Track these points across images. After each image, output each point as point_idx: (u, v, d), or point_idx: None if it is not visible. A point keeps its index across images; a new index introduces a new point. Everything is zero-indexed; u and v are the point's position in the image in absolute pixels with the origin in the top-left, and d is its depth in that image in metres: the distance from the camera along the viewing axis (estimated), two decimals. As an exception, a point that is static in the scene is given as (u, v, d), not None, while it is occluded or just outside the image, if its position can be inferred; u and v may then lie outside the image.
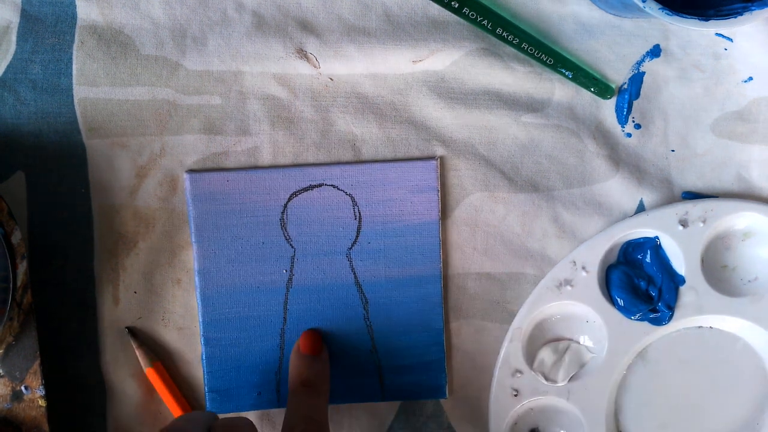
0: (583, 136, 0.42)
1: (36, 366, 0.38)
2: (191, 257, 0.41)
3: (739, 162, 0.42)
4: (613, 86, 0.41)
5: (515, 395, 0.42)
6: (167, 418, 0.42)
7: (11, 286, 0.37)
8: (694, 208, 0.41)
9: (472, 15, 0.40)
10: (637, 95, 0.42)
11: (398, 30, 0.41)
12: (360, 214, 0.41)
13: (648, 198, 0.42)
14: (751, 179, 0.42)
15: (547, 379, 0.42)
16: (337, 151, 0.41)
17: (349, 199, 0.41)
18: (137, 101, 0.40)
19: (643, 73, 0.42)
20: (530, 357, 0.42)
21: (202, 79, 0.40)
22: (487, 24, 0.40)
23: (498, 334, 0.42)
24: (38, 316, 0.40)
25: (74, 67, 0.40)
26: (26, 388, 0.38)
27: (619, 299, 0.41)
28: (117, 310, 0.41)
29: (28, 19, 0.39)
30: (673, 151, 0.42)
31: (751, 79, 0.42)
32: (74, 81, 0.40)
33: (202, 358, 0.41)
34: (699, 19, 0.35)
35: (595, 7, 0.41)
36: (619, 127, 0.42)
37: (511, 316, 0.42)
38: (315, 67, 0.41)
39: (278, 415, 0.42)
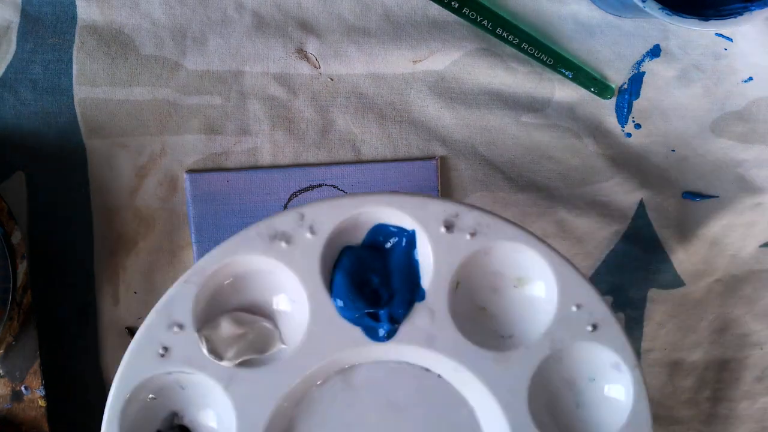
0: (583, 136, 0.42)
1: (36, 366, 0.38)
2: (191, 257, 0.41)
3: (739, 162, 0.42)
4: (613, 86, 0.41)
5: (162, 354, 0.32)
6: (167, 418, 0.42)
7: (11, 286, 0.37)
8: (468, 215, 0.32)
9: (472, 15, 0.40)
10: (637, 95, 0.42)
11: (398, 30, 0.41)
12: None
13: (648, 198, 0.42)
14: (751, 179, 0.42)
15: (211, 351, 0.32)
16: (337, 151, 0.41)
17: (349, 199, 0.41)
18: (137, 101, 0.40)
19: (643, 73, 0.42)
20: (203, 317, 0.33)
21: (202, 79, 0.40)
22: (487, 24, 0.40)
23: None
24: (38, 316, 0.40)
25: (74, 67, 0.40)
26: (26, 388, 0.38)
27: (339, 286, 0.32)
28: (117, 310, 0.41)
29: (28, 19, 0.39)
30: (673, 151, 0.42)
31: (751, 79, 0.42)
32: (74, 81, 0.40)
33: (202, 358, 0.41)
34: (699, 19, 0.35)
35: (595, 7, 0.41)
36: (619, 127, 0.42)
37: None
38: (315, 67, 0.41)
39: (278, 415, 0.42)
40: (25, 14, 0.39)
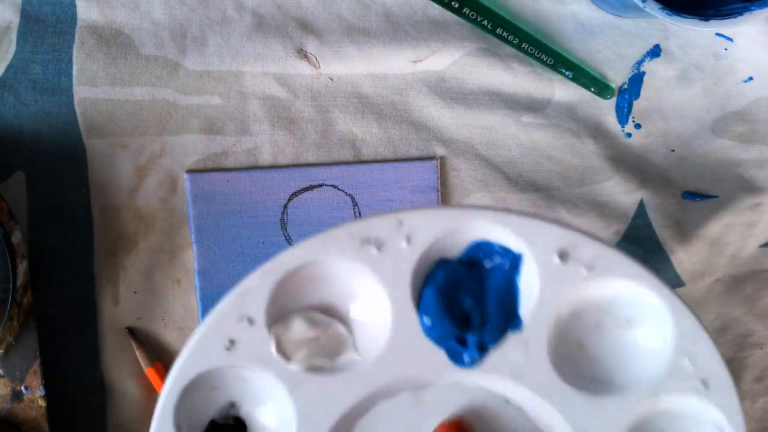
0: (583, 136, 0.42)
1: (36, 366, 0.38)
2: (191, 257, 0.41)
3: (739, 162, 0.42)
4: (613, 86, 0.41)
5: (227, 348, 0.30)
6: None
7: (11, 286, 0.37)
8: (587, 246, 0.29)
9: (472, 15, 0.40)
10: (637, 95, 0.42)
11: (398, 30, 0.41)
12: (360, 214, 0.41)
13: (648, 198, 0.42)
14: (751, 179, 0.42)
15: (279, 351, 0.30)
16: (337, 151, 0.41)
17: (349, 199, 0.41)
18: (137, 101, 0.40)
19: (643, 73, 0.42)
20: (276, 313, 0.31)
21: (202, 79, 0.40)
22: (487, 24, 0.40)
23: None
24: (38, 316, 0.40)
25: (74, 67, 0.40)
26: (26, 388, 0.38)
27: (429, 303, 0.30)
28: (117, 310, 0.41)
29: (28, 19, 0.39)
30: (673, 151, 0.42)
31: (751, 79, 0.42)
32: (74, 81, 0.40)
33: (202, 358, 0.41)
34: (699, 19, 0.35)
35: (595, 7, 0.41)
36: (619, 127, 0.42)
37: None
38: (315, 67, 0.41)
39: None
40: (25, 14, 0.39)
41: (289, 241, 0.41)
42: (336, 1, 0.40)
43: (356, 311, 0.31)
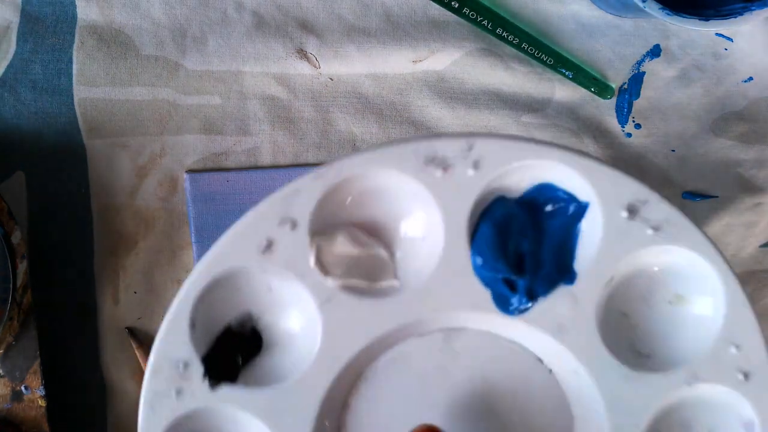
0: (583, 136, 0.42)
1: (36, 366, 0.38)
2: (191, 257, 0.41)
3: (739, 162, 0.42)
4: (613, 86, 0.41)
5: (263, 250, 0.28)
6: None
7: (11, 286, 0.37)
8: (658, 206, 0.28)
9: (472, 15, 0.40)
10: (637, 95, 0.42)
11: (398, 30, 0.41)
12: (360, 214, 0.41)
13: (648, 198, 0.42)
14: (751, 179, 0.42)
15: (318, 263, 0.28)
16: (337, 151, 0.41)
17: (349, 199, 0.41)
18: (137, 101, 0.40)
19: (643, 73, 0.42)
20: (320, 223, 0.28)
21: (202, 79, 0.40)
22: (487, 24, 0.40)
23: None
24: (38, 316, 0.40)
25: (74, 67, 0.40)
26: (26, 388, 0.38)
27: (483, 239, 0.28)
28: (117, 310, 0.41)
29: (28, 19, 0.39)
30: (673, 151, 0.42)
31: (751, 79, 0.42)
32: (74, 81, 0.40)
33: (202, 358, 0.41)
34: (699, 19, 0.35)
35: (595, 7, 0.41)
36: (619, 127, 0.42)
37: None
38: (315, 67, 0.41)
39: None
40: (25, 14, 0.39)
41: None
42: (336, 1, 0.40)
43: (403, 235, 0.29)
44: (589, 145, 0.42)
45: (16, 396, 0.38)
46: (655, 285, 0.29)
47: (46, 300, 0.41)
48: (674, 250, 0.28)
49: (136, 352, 0.41)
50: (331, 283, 0.28)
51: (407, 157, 0.28)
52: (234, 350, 0.30)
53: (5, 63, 0.40)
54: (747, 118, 0.42)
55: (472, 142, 0.27)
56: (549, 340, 0.28)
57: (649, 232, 0.28)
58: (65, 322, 0.41)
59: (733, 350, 0.28)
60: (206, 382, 0.29)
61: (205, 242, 0.41)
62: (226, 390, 0.29)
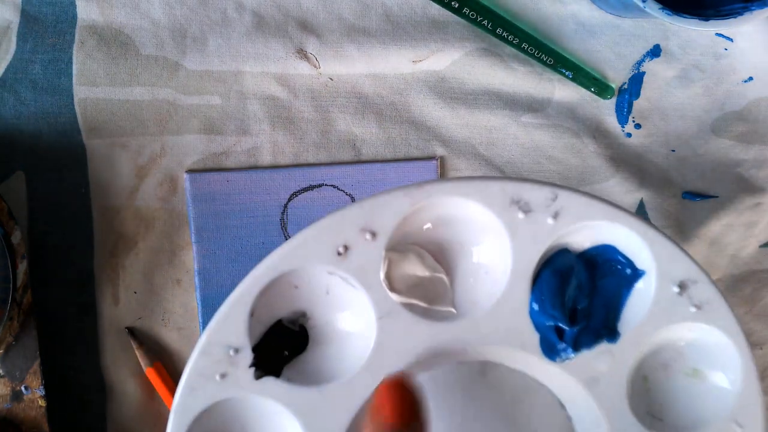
0: (583, 136, 0.42)
1: (36, 366, 0.38)
2: (191, 257, 0.41)
3: (739, 162, 0.42)
4: (613, 86, 0.41)
5: (339, 253, 0.29)
6: (167, 418, 0.42)
7: (11, 286, 0.37)
8: (705, 287, 0.30)
9: (472, 15, 0.40)
10: (637, 95, 0.42)
11: (398, 30, 0.41)
12: (360, 214, 0.41)
13: (648, 198, 0.42)
14: (751, 179, 0.42)
15: (387, 276, 0.29)
16: (337, 151, 0.41)
17: (349, 199, 0.41)
18: (137, 101, 0.40)
19: (643, 73, 0.42)
20: (396, 239, 0.30)
21: (202, 79, 0.40)
22: (487, 24, 0.40)
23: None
24: (38, 316, 0.40)
25: (74, 67, 0.40)
26: (26, 388, 0.38)
27: (544, 285, 0.29)
28: (117, 310, 0.41)
29: (28, 19, 0.39)
30: (673, 151, 0.42)
31: (751, 79, 0.42)
32: (74, 81, 0.40)
33: (202, 358, 0.41)
34: (699, 19, 0.35)
35: (595, 7, 0.41)
36: (619, 127, 0.42)
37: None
38: (315, 67, 0.41)
39: (278, 415, 0.42)
40: (25, 14, 0.39)
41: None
42: (336, 1, 0.40)
43: (467, 266, 0.31)
44: (589, 145, 0.42)
45: (16, 396, 0.38)
46: (677, 355, 0.31)
47: (46, 300, 0.41)
48: (708, 330, 0.30)
49: (136, 352, 0.41)
50: (394, 298, 0.29)
51: (494, 194, 0.29)
52: (282, 345, 0.30)
53: (5, 63, 0.40)
54: (747, 118, 0.42)
55: (557, 193, 0.29)
56: (579, 389, 0.30)
57: (692, 309, 0.30)
58: (65, 322, 0.41)
59: (737, 429, 0.30)
60: (252, 372, 0.29)
61: (205, 242, 0.41)
62: (269, 382, 0.29)
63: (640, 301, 0.30)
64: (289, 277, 0.30)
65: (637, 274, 0.30)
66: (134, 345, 0.41)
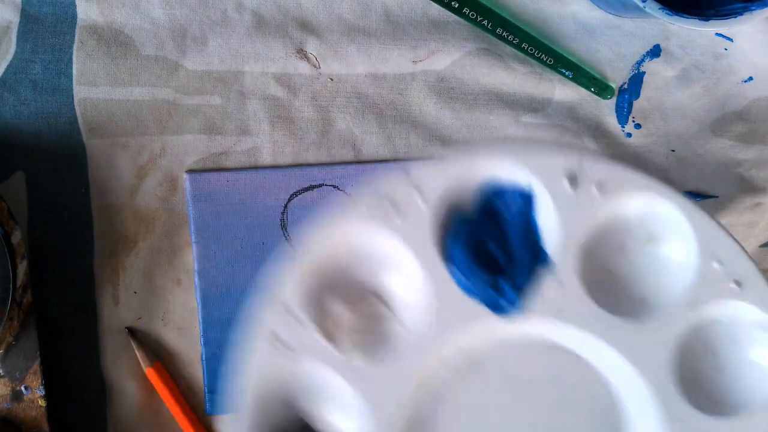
0: (583, 136, 0.42)
1: (36, 366, 0.38)
2: (191, 257, 0.41)
3: (739, 162, 0.42)
4: (613, 86, 0.41)
5: (275, 342, 0.29)
6: (168, 418, 0.42)
7: (11, 286, 0.37)
8: (591, 167, 0.30)
9: (472, 15, 0.40)
10: (637, 95, 0.42)
11: (398, 30, 0.41)
12: (360, 214, 0.41)
13: (648, 198, 0.42)
14: (751, 179, 0.42)
15: (329, 337, 0.28)
16: (337, 151, 0.41)
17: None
18: (137, 101, 0.40)
19: (643, 73, 0.42)
20: (313, 301, 0.29)
21: (202, 79, 0.40)
22: (487, 24, 0.40)
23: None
24: (38, 316, 0.40)
25: (74, 67, 0.40)
26: (26, 388, 0.38)
27: (455, 257, 0.29)
28: (117, 310, 0.41)
29: (28, 19, 0.39)
30: (673, 151, 0.42)
31: (751, 79, 0.42)
32: (74, 81, 0.40)
33: (202, 359, 0.41)
34: (699, 19, 0.35)
35: (595, 7, 0.41)
36: (619, 127, 0.42)
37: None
38: (315, 67, 0.41)
39: (278, 415, 0.42)
40: (25, 14, 0.39)
41: (289, 241, 0.41)
42: (336, 1, 0.40)
43: (389, 283, 0.30)
44: (589, 145, 0.42)
45: (16, 396, 0.38)
46: (625, 235, 0.31)
47: (46, 300, 0.41)
48: (625, 199, 0.30)
49: (136, 352, 0.41)
50: (343, 354, 0.28)
51: (362, 209, 0.29)
52: None
53: (5, 63, 0.40)
54: (747, 118, 0.42)
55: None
56: (554, 324, 0.29)
57: (596, 192, 0.29)
58: (65, 322, 0.41)
59: (715, 265, 0.29)
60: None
61: (205, 242, 0.41)
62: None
63: (549, 215, 0.29)
64: (274, 394, 0.29)
65: (528, 196, 0.30)
66: (134, 345, 0.41)
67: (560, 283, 0.29)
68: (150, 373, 0.41)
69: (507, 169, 0.29)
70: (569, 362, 0.31)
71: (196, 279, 0.41)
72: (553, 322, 0.29)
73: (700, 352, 0.31)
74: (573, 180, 0.29)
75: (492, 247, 0.30)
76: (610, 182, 0.29)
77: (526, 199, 0.30)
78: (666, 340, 0.29)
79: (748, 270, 0.30)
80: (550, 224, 0.29)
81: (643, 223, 0.30)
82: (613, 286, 0.31)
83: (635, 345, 0.29)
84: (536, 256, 0.29)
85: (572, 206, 0.29)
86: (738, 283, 0.29)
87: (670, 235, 0.31)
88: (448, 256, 0.29)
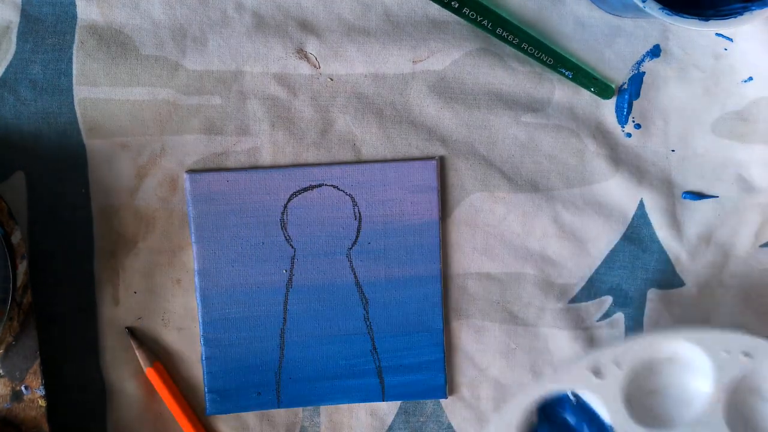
0: (583, 136, 0.42)
1: (36, 366, 0.38)
2: (191, 257, 0.41)
3: (739, 162, 0.42)
4: (613, 86, 0.41)
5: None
6: (168, 418, 0.42)
7: (11, 286, 0.37)
8: (603, 356, 0.37)
9: (472, 15, 0.40)
10: (637, 95, 0.42)
11: (398, 30, 0.41)
12: (360, 214, 0.41)
13: (648, 198, 0.42)
14: (751, 179, 0.42)
15: None
16: (337, 151, 0.41)
17: (349, 199, 0.41)
18: (137, 101, 0.40)
19: (643, 73, 0.42)
20: None
21: (202, 79, 0.40)
22: (487, 24, 0.40)
23: (498, 334, 0.42)
24: (38, 316, 0.40)
25: (74, 67, 0.40)
26: (26, 388, 0.38)
27: None
28: (117, 310, 0.41)
29: (28, 19, 0.39)
30: (673, 151, 0.42)
31: (751, 79, 0.42)
32: (74, 81, 0.40)
33: (202, 358, 0.41)
34: (699, 19, 0.35)
35: (595, 7, 0.41)
36: (619, 127, 0.42)
37: (511, 316, 0.42)
38: (315, 67, 0.41)
39: (278, 415, 0.42)
40: (25, 14, 0.39)
41: (289, 241, 0.41)
42: (336, 1, 0.40)
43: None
44: (589, 145, 0.42)
45: (16, 396, 0.38)
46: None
47: (46, 300, 0.41)
48: None
49: (136, 352, 0.41)
50: None
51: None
52: None
53: (5, 63, 0.40)
54: (747, 118, 0.42)
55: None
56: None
57: (615, 369, 0.37)
58: (65, 322, 0.41)
59: None
60: None
61: (205, 242, 0.41)
62: None
63: None
64: None
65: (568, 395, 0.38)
66: (134, 345, 0.41)
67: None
68: (150, 373, 0.41)
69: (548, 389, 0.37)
70: None
71: (196, 279, 0.41)
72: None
73: None
74: (597, 372, 0.37)
75: None
76: (623, 360, 0.37)
77: (572, 398, 0.38)
78: None
79: None
80: (599, 405, 0.37)
81: (661, 357, 0.38)
82: (662, 401, 0.39)
83: None
84: (604, 430, 0.37)
85: (605, 389, 0.37)
86: None
87: (682, 358, 0.38)
88: None
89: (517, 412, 0.37)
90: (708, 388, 0.37)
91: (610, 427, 0.37)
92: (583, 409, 0.38)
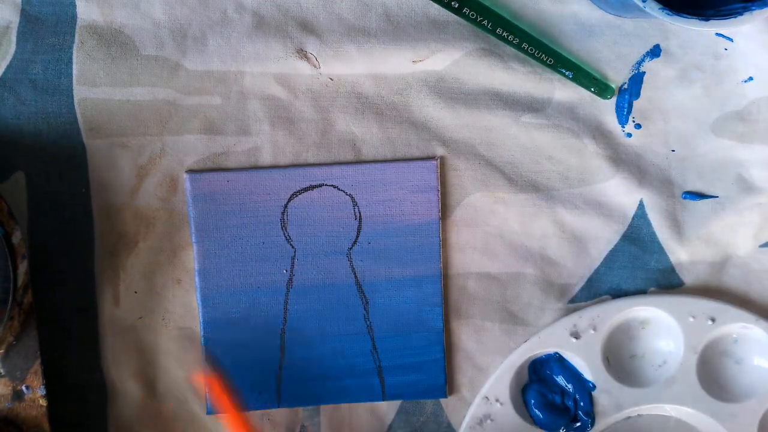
0: (583, 136, 0.42)
1: (37, 366, 0.38)
2: (191, 257, 0.41)
3: (739, 162, 0.42)
4: (613, 86, 0.41)
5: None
6: (168, 418, 0.42)
7: (12, 286, 0.37)
8: (581, 320, 0.41)
9: (472, 15, 0.40)
10: (637, 95, 0.42)
11: (398, 30, 0.41)
12: (360, 214, 0.41)
13: (648, 198, 0.42)
14: (751, 179, 0.42)
15: None
16: (337, 151, 0.41)
17: (349, 199, 0.41)
18: (137, 101, 0.40)
19: (643, 73, 0.42)
20: None
21: (202, 79, 0.40)
22: (487, 24, 0.40)
23: (498, 334, 0.42)
24: (38, 316, 0.40)
25: (74, 67, 0.40)
26: (27, 387, 0.38)
27: (539, 418, 0.42)
28: (117, 310, 0.41)
29: (28, 19, 0.39)
30: (673, 151, 0.42)
31: (751, 79, 0.42)
32: (74, 81, 0.40)
33: (203, 358, 0.41)
34: (699, 19, 0.35)
35: (595, 7, 0.41)
36: (619, 127, 0.42)
37: (511, 316, 0.42)
38: (315, 67, 0.41)
39: (278, 415, 0.42)
40: (25, 14, 0.39)
41: (289, 241, 0.41)
42: (336, 1, 0.40)
43: None
44: (589, 145, 0.42)
45: (17, 396, 0.38)
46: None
47: (46, 300, 0.41)
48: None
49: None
50: None
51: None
52: None
53: (5, 63, 0.40)
54: (747, 118, 0.42)
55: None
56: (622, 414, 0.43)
57: (591, 332, 0.42)
58: (65, 322, 0.41)
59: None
60: None
61: (205, 242, 0.41)
62: None
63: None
64: None
65: (556, 355, 0.42)
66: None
67: (607, 392, 0.41)
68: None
69: (537, 351, 0.42)
70: (652, 420, 0.43)
71: (197, 279, 0.41)
72: (617, 415, 0.42)
73: None
74: (575, 335, 0.41)
75: (557, 398, 0.42)
76: (598, 322, 0.42)
77: (558, 358, 0.42)
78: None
79: None
80: (581, 364, 0.42)
81: (634, 319, 0.42)
82: (641, 364, 0.43)
83: (678, 395, 0.41)
84: (585, 386, 0.42)
85: (584, 349, 0.42)
86: None
87: (653, 319, 0.42)
88: (534, 420, 0.42)
89: (510, 371, 0.42)
90: (679, 350, 0.42)
91: (593, 385, 0.41)
92: (568, 368, 0.42)
